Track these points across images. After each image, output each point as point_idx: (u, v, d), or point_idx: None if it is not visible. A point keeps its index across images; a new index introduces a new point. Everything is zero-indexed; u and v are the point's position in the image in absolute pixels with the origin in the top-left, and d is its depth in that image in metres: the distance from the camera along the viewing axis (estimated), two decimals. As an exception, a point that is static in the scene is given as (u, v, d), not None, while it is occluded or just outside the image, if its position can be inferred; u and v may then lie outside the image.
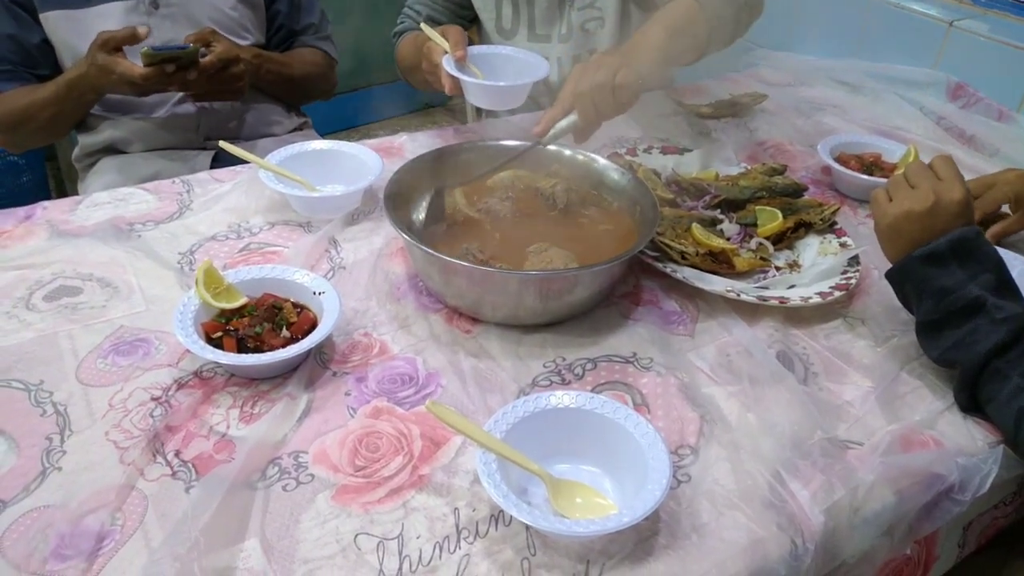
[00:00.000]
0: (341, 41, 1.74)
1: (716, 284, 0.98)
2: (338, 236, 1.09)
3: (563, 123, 1.04)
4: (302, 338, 0.82)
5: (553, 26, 1.51)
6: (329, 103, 1.79)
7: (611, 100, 1.02)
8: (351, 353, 0.88)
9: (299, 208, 1.13)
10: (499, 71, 1.28)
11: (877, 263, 1.10)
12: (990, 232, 1.10)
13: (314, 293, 0.89)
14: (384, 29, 1.70)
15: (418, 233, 0.99)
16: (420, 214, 1.03)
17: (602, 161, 1.09)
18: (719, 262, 1.03)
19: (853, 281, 1.00)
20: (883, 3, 1.65)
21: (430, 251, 0.88)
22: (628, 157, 1.26)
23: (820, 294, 0.98)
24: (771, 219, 1.10)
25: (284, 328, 0.84)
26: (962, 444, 0.82)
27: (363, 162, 1.17)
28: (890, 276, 0.90)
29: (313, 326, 0.85)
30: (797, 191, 1.19)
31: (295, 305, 0.88)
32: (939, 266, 0.84)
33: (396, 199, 0.99)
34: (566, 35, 1.51)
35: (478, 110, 1.61)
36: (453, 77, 1.19)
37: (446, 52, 1.22)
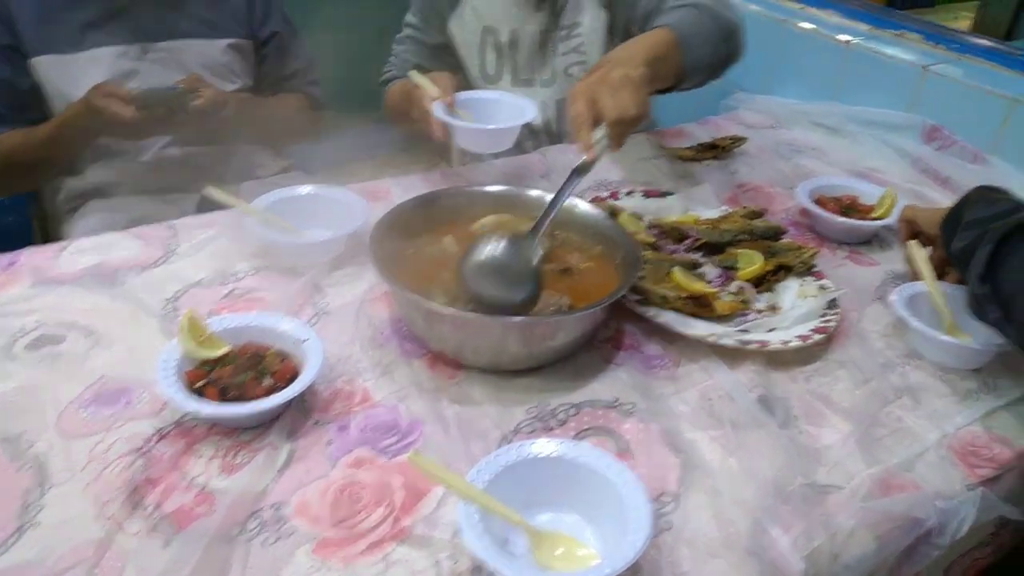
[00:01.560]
0: (325, 79, 1.76)
1: (698, 328, 0.99)
2: (322, 281, 1.09)
3: (599, 134, 1.03)
4: (285, 387, 0.83)
5: (537, 71, 1.54)
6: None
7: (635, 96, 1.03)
8: (333, 401, 0.88)
9: (284, 253, 1.14)
10: (487, 115, 1.30)
11: (856, 305, 1.11)
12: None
13: (297, 341, 0.89)
14: (369, 68, 1.72)
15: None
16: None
17: (583, 206, 1.10)
18: (700, 305, 1.04)
19: (832, 324, 1.02)
20: (860, 48, 1.69)
21: (414, 296, 0.89)
22: (611, 201, 1.28)
23: (800, 337, 0.99)
24: (751, 262, 1.12)
25: (267, 377, 0.84)
26: (940, 487, 0.83)
27: (349, 207, 1.18)
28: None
29: (296, 375, 0.85)
30: (777, 234, 1.21)
31: (278, 353, 0.89)
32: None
33: (381, 244, 1.00)
34: (549, 79, 1.54)
35: (462, 152, 1.63)
36: (443, 122, 1.21)
37: (435, 98, 1.24)
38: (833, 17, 1.84)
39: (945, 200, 1.40)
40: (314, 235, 1.15)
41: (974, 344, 0.98)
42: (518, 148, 1.64)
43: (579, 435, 0.86)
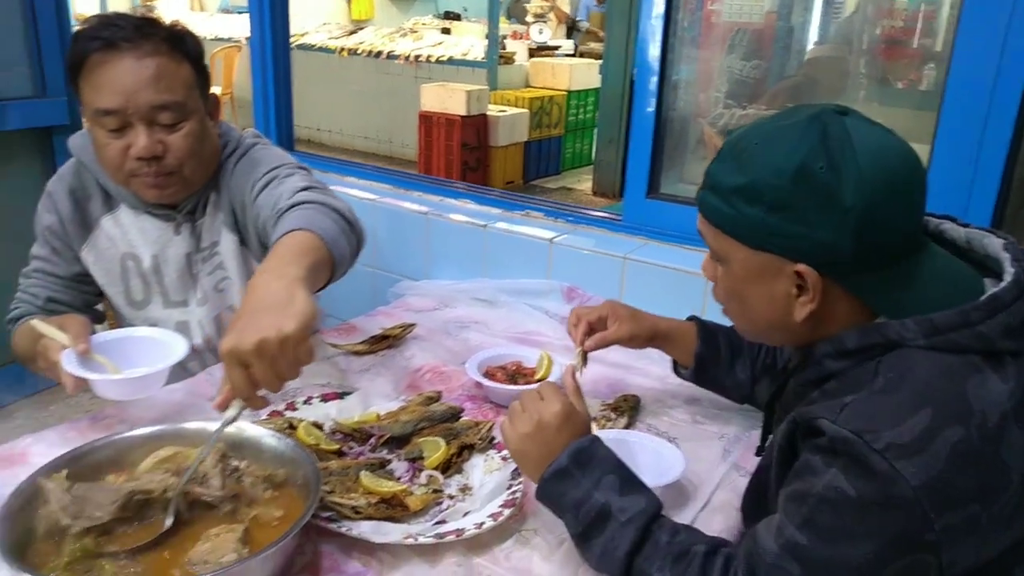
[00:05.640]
0: None
1: (393, 534, 0.97)
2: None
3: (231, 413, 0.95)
4: None
5: (188, 292, 1.49)
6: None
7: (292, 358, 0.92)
8: None
9: None
10: (132, 355, 1.20)
11: (539, 467, 1.18)
12: (600, 336, 1.27)
13: None
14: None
15: None
16: None
17: (253, 430, 1.05)
18: (393, 507, 1.02)
19: (519, 495, 1.06)
20: (495, 230, 1.91)
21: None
22: (287, 413, 1.24)
23: (492, 516, 1.02)
24: (435, 449, 1.14)
25: None
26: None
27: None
28: (539, 500, 0.98)
29: None
30: (455, 414, 1.26)
31: None
32: (566, 479, 0.93)
33: (15, 524, 0.86)
34: (202, 299, 1.49)
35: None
36: (74, 376, 1.09)
37: (65, 347, 1.12)
38: (470, 205, 2.07)
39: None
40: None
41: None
42: (182, 368, 1.54)
43: None
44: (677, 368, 1.34)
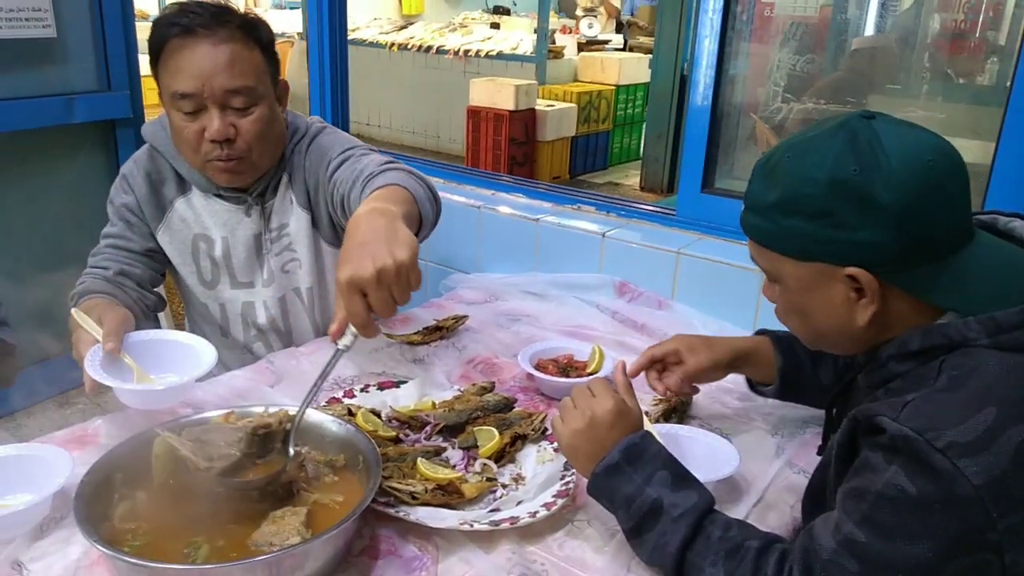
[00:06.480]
0: (20, 306, 1.58)
1: (449, 520, 0.99)
2: (23, 557, 0.94)
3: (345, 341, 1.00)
4: None
5: (255, 273, 1.54)
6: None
7: (405, 284, 0.98)
8: None
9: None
10: (162, 359, 1.20)
11: (591, 459, 1.19)
12: (681, 371, 1.24)
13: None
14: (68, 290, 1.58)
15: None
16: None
17: (316, 416, 1.08)
18: (449, 493, 1.04)
19: (571, 485, 1.07)
20: (547, 223, 1.92)
21: (134, 560, 0.80)
22: (346, 400, 1.27)
23: (545, 505, 1.03)
24: (489, 438, 1.16)
25: None
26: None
27: (49, 463, 1.04)
28: (590, 494, 0.98)
29: None
30: (508, 405, 1.27)
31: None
32: (618, 475, 0.94)
33: (90, 502, 0.90)
34: (268, 279, 1.54)
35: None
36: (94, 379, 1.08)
37: (96, 342, 1.12)
38: (521, 199, 2.08)
39: (645, 344, 1.58)
40: (12, 503, 0.99)
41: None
42: (246, 350, 1.59)
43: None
44: (755, 387, 1.30)
